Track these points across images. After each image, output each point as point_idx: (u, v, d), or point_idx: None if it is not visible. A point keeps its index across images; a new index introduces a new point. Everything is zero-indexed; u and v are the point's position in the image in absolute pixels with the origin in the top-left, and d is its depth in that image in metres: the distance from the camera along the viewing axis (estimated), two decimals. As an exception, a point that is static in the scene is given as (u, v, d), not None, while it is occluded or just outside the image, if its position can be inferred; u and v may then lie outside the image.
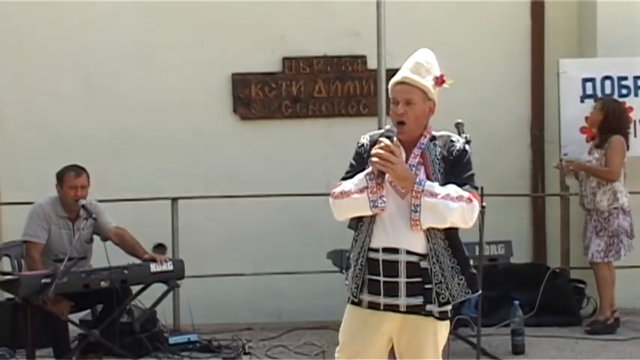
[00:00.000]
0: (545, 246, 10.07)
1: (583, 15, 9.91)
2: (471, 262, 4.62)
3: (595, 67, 9.39)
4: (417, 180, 4.38)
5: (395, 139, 4.48)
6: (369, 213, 4.48)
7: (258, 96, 9.86)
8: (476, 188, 4.55)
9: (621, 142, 8.49)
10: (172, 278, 7.56)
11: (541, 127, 10.07)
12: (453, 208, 4.35)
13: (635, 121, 9.14)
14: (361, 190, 4.46)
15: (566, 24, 9.99)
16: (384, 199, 4.44)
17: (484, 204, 6.34)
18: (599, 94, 9.22)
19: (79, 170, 7.63)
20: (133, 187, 9.28)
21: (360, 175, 4.50)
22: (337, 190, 4.57)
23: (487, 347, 7.80)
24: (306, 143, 9.75)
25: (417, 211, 4.36)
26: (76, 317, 7.78)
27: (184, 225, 9.06)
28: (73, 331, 7.69)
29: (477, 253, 6.85)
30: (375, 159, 4.39)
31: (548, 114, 9.96)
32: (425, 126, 4.62)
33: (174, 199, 9.04)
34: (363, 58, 9.76)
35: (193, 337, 8.35)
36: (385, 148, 4.40)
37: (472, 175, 4.57)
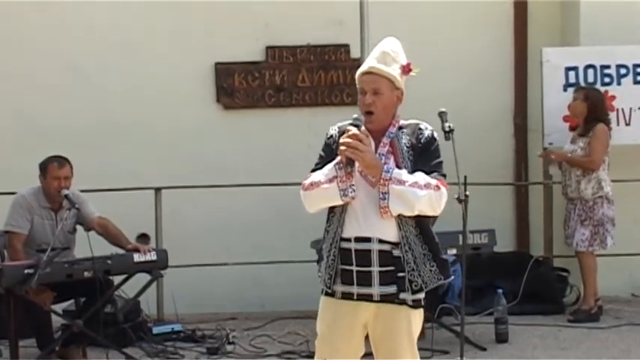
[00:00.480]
0: (528, 234, 10.10)
1: (566, 4, 9.93)
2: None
3: (578, 56, 9.41)
4: (385, 168, 4.39)
5: (363, 128, 4.48)
6: (340, 202, 4.48)
7: (242, 85, 9.84)
8: (444, 175, 4.56)
9: (605, 130, 8.53)
10: (156, 268, 7.54)
11: (524, 115, 10.09)
12: (421, 195, 4.36)
13: (617, 110, 9.17)
14: (330, 180, 4.47)
15: (549, 12, 10.00)
16: (354, 187, 4.44)
17: (467, 193, 6.32)
18: (582, 82, 9.25)
19: (62, 161, 7.60)
20: (116, 176, 9.26)
21: (330, 165, 4.50)
22: (307, 181, 4.58)
23: (471, 336, 7.83)
24: (289, 132, 9.74)
25: (385, 199, 4.36)
26: (59, 307, 7.77)
27: (168, 215, 9.06)
28: (56, 321, 7.68)
29: (461, 242, 6.84)
30: (343, 147, 4.39)
31: (532, 103, 9.98)
32: (393, 115, 4.63)
33: (158, 189, 9.03)
34: (346, 47, 9.75)
35: (177, 327, 8.36)
36: (353, 136, 4.40)
37: (440, 162, 4.58)
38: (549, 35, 9.92)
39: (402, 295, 4.46)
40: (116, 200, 8.73)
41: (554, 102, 9.25)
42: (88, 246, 7.18)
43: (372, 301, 4.49)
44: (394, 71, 4.58)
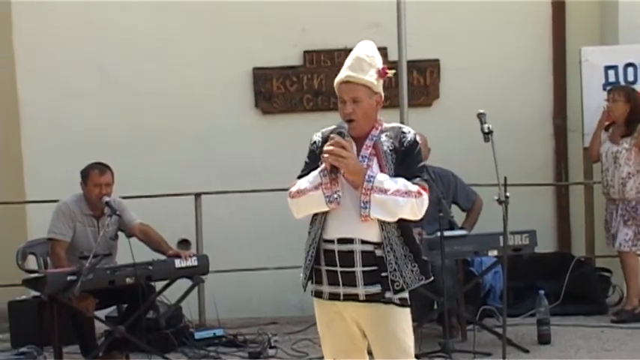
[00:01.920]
0: (569, 235, 10.04)
1: (605, 2, 9.86)
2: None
3: (617, 55, 9.35)
4: (367, 176, 4.43)
5: (346, 134, 4.53)
6: (326, 209, 4.54)
7: (280, 90, 9.87)
8: (425, 180, 4.58)
9: None
10: (197, 273, 7.57)
11: (564, 116, 10.03)
12: (402, 204, 4.41)
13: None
14: (316, 187, 4.53)
15: (587, 11, 9.94)
16: (339, 193, 4.49)
17: (507, 194, 6.32)
18: (621, 81, 9.18)
19: (103, 168, 7.66)
20: (155, 183, 9.31)
21: (315, 172, 4.57)
22: (294, 189, 4.66)
23: (513, 337, 7.79)
24: (327, 136, 9.73)
25: (366, 208, 4.42)
26: (101, 314, 7.82)
27: (208, 220, 9.08)
28: (99, 327, 7.73)
29: (502, 244, 6.82)
30: (326, 155, 4.44)
31: (571, 103, 9.92)
32: (375, 119, 4.67)
33: (198, 195, 9.07)
34: (383, 50, 9.68)
35: (219, 332, 8.39)
36: (336, 144, 4.45)
37: (422, 166, 4.62)
38: (588, 34, 9.86)
39: (388, 295, 4.50)
40: (156, 206, 8.77)
41: (594, 102, 9.18)
42: (129, 252, 7.21)
43: (358, 300, 4.53)
44: (371, 77, 4.62)
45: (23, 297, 8.67)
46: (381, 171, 4.50)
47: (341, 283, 4.54)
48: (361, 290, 4.51)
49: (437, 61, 9.84)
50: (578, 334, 8.16)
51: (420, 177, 4.54)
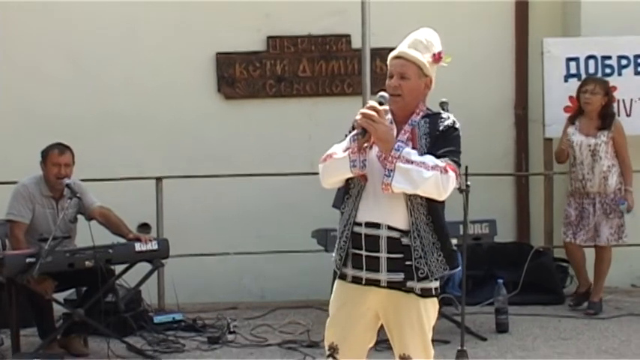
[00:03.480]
0: (528, 225, 10.11)
1: (567, -6, 9.93)
2: (451, 239, 4.63)
3: (579, 47, 9.41)
4: (396, 145, 4.38)
5: (387, 107, 4.50)
6: (349, 174, 4.49)
7: (243, 75, 9.84)
8: (458, 164, 4.52)
9: (622, 124, 8.54)
10: (157, 257, 7.55)
11: (525, 106, 10.09)
12: (427, 176, 4.32)
13: (618, 101, 9.16)
14: (344, 150, 4.50)
15: (550, 3, 10.00)
16: (365, 162, 4.45)
17: (468, 182, 6.37)
18: (582, 73, 9.24)
19: (63, 148, 7.62)
20: (117, 166, 9.27)
21: (347, 138, 4.55)
22: (325, 154, 4.60)
23: (471, 326, 7.84)
24: (290, 122, 9.76)
25: (389, 176, 4.35)
26: (60, 296, 7.78)
27: (169, 204, 9.06)
28: (58, 310, 7.69)
29: (461, 232, 6.87)
30: (358, 116, 4.41)
31: (532, 93, 9.98)
32: (419, 102, 4.63)
33: (159, 179, 9.04)
34: (347, 37, 9.75)
35: (178, 317, 8.37)
36: (371, 107, 4.42)
37: (454, 151, 4.53)
38: (550, 26, 9.92)
39: (410, 284, 4.46)
40: (117, 190, 8.73)
41: (555, 93, 9.26)
42: (89, 235, 7.18)
43: (379, 286, 4.50)
44: (424, 58, 4.60)
45: (-20, 278, 8.60)
46: None
47: (364, 267, 4.50)
48: (383, 276, 4.47)
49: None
50: (535, 323, 8.22)
51: (450, 157, 4.45)
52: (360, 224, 4.51)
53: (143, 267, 7.60)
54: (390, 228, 4.45)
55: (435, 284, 4.55)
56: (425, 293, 4.51)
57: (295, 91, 9.89)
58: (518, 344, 7.60)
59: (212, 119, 9.82)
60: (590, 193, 8.48)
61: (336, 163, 4.50)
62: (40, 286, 7.16)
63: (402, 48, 4.65)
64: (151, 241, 7.53)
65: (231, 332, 8.04)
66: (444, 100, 6.36)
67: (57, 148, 7.59)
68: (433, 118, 4.60)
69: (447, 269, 4.53)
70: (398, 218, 4.44)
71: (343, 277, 4.62)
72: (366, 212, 4.50)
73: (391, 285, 4.48)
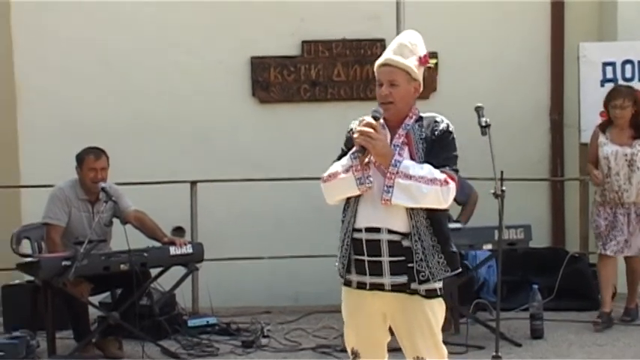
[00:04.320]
0: (564, 230, 10.05)
1: (603, -1, 9.88)
2: (452, 242, 4.63)
3: (615, 51, 9.35)
4: (393, 161, 4.41)
5: (380, 117, 4.54)
6: (357, 192, 4.52)
7: (277, 79, 9.86)
8: (456, 170, 4.57)
9: None
10: (191, 261, 7.57)
11: (560, 111, 10.04)
12: (426, 191, 4.38)
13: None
14: (347, 170, 4.52)
15: (586, 7, 9.95)
16: (371, 178, 4.48)
17: (503, 188, 6.32)
18: (619, 78, 9.17)
19: (98, 152, 7.66)
20: (152, 170, 9.31)
21: (347, 156, 4.57)
22: (326, 173, 4.65)
23: (506, 331, 7.80)
24: (324, 127, 9.73)
25: (389, 192, 4.40)
26: (95, 300, 7.83)
27: (203, 208, 9.08)
28: (93, 313, 7.73)
29: (496, 237, 6.83)
30: (356, 135, 4.45)
31: (568, 98, 9.93)
32: (411, 107, 4.65)
33: (193, 183, 9.07)
34: (382, 42, 9.73)
35: (212, 320, 8.38)
36: (367, 124, 4.46)
37: (453, 156, 4.59)
38: (586, 30, 9.87)
39: (414, 285, 4.48)
40: (152, 194, 8.77)
41: (591, 98, 9.17)
42: (124, 239, 7.21)
43: (384, 290, 4.53)
44: (410, 63, 4.60)
45: (17, 281, 8.66)
46: (412, 160, 4.48)
47: (368, 272, 4.53)
48: (387, 280, 4.50)
49: (434, 54, 9.80)
50: (570, 329, 8.17)
51: (449, 166, 4.51)
52: (360, 230, 4.54)
53: (178, 271, 7.63)
54: (390, 232, 4.48)
55: (440, 284, 4.57)
56: (430, 294, 4.53)
57: (330, 96, 9.89)
58: (554, 350, 7.56)
59: (246, 123, 9.84)
60: (626, 203, 8.24)
61: (342, 182, 4.54)
62: (76, 289, 7.21)
63: (388, 55, 4.64)
64: (185, 244, 7.55)
65: (264, 336, 8.05)
66: (479, 104, 6.32)
67: (92, 152, 7.64)
68: (427, 121, 4.62)
69: (449, 271, 4.54)
70: (398, 222, 4.47)
71: (348, 283, 4.66)
72: (366, 218, 4.53)
73: (395, 288, 4.51)
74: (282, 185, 9.36)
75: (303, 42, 9.86)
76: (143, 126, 9.69)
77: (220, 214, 9.52)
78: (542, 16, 10.00)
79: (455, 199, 8.35)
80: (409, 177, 4.37)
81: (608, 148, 8.26)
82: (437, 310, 4.58)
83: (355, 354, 4.72)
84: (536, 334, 7.89)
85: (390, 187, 4.39)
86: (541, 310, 7.93)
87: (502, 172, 6.27)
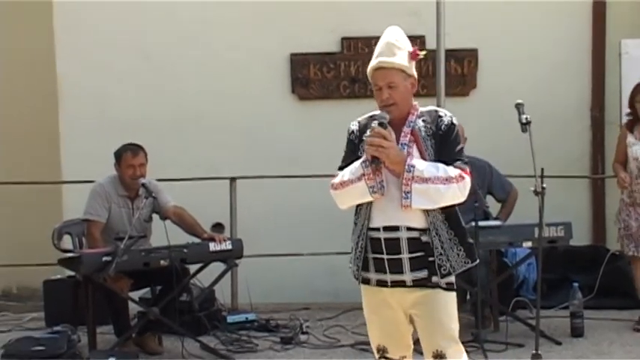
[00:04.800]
0: (604, 228, 9.97)
1: (646, -5, 9.79)
2: (468, 234, 4.65)
3: (658, 48, 9.28)
4: (407, 166, 4.42)
5: (386, 123, 4.55)
6: (370, 199, 4.56)
7: (317, 76, 9.86)
8: (466, 163, 4.57)
9: None
10: (231, 257, 7.58)
11: (601, 107, 9.96)
12: (444, 191, 4.41)
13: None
14: (359, 178, 4.55)
15: (628, 4, 9.86)
16: (383, 183, 4.52)
17: (544, 185, 6.29)
18: (662, 75, 9.09)
19: (136, 149, 7.69)
20: (191, 166, 9.35)
21: (356, 163, 4.58)
22: (336, 180, 4.69)
23: (546, 329, 7.76)
24: (364, 123, 9.72)
25: (407, 198, 4.43)
26: (135, 295, 7.87)
27: (242, 204, 9.11)
28: (133, 308, 7.78)
29: (537, 235, 6.80)
30: (367, 146, 4.48)
31: (609, 95, 9.85)
32: (411, 103, 4.67)
33: (233, 179, 9.10)
34: (421, 38, 9.68)
35: (251, 317, 8.42)
36: (376, 134, 4.47)
37: (461, 149, 4.61)
38: (628, 27, 9.77)
39: (434, 279, 4.51)
40: (192, 190, 8.81)
41: (633, 94, 9.12)
42: (164, 235, 7.24)
43: (405, 286, 4.56)
44: (403, 60, 4.60)
45: (58, 276, 8.75)
46: (422, 157, 4.50)
47: (388, 270, 4.57)
48: (408, 277, 4.54)
49: (475, 50, 9.80)
50: (611, 327, 8.12)
51: (461, 160, 4.53)
52: (377, 229, 4.58)
53: (217, 267, 7.65)
54: (409, 229, 4.51)
55: (453, 278, 4.61)
56: (449, 287, 4.58)
57: (369, 92, 9.68)
58: (594, 349, 7.51)
59: (286, 120, 9.85)
60: None
61: (354, 190, 4.58)
62: (116, 284, 7.26)
63: (380, 58, 4.63)
64: (225, 240, 7.56)
65: (303, 333, 8.08)
66: (519, 101, 6.28)
67: (130, 149, 7.68)
68: (430, 116, 4.62)
69: (469, 263, 4.59)
70: (415, 218, 4.50)
71: (367, 281, 4.70)
72: (382, 217, 4.56)
73: (416, 283, 4.54)
74: (321, 182, 9.26)
75: (343, 38, 9.86)
76: (183, 122, 9.73)
77: (259, 210, 9.54)
78: (583, 13, 9.93)
79: (495, 197, 8.40)
80: (425, 180, 4.40)
81: (638, 148, 8.07)
82: (454, 301, 4.65)
83: (382, 350, 4.75)
84: (577, 332, 7.84)
85: (407, 192, 4.42)
86: (581, 309, 7.88)
87: (542, 170, 6.23)
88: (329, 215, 9.58)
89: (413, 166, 4.42)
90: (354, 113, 10.00)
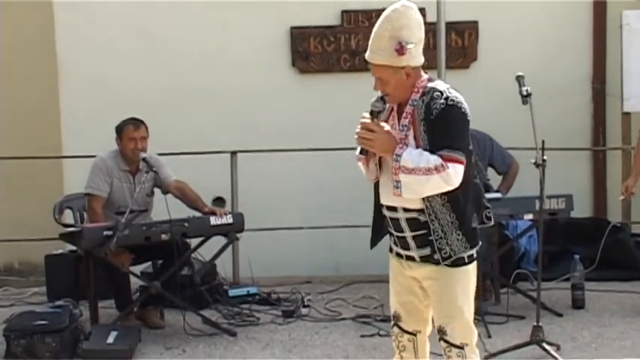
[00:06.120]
0: (605, 200, 9.97)
1: (647, -35, 9.74)
2: (474, 218, 4.52)
3: (659, 19, 9.24)
4: (394, 155, 4.38)
5: (378, 110, 4.56)
6: (368, 180, 4.66)
7: (317, 49, 9.83)
8: (459, 149, 4.36)
9: None
10: (232, 231, 7.56)
11: (602, 80, 9.93)
12: (425, 182, 4.32)
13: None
14: (359, 159, 4.63)
15: (629, -25, 9.83)
16: (377, 166, 4.56)
17: (545, 157, 6.29)
18: (663, 46, 9.07)
19: (137, 122, 7.69)
20: (192, 141, 9.33)
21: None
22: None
23: (547, 301, 7.78)
24: (364, 97, 9.60)
25: (398, 187, 4.40)
26: (137, 269, 7.88)
27: (243, 178, 9.11)
28: (134, 283, 7.79)
29: (537, 207, 6.80)
30: (355, 136, 4.49)
31: (610, 67, 9.82)
32: (412, 85, 4.53)
33: (234, 153, 9.10)
34: (422, 11, 9.58)
35: (253, 290, 8.43)
36: (362, 126, 4.50)
37: (455, 134, 4.40)
38: (629, -2, 9.75)
39: (436, 256, 4.47)
40: (193, 164, 8.80)
41: (634, 66, 9.10)
42: (165, 209, 7.24)
43: (415, 261, 4.57)
44: (390, 55, 4.46)
45: (60, 251, 8.75)
46: (416, 142, 4.41)
47: (399, 245, 4.62)
48: (415, 253, 4.55)
49: (475, 23, 9.77)
50: (612, 299, 8.13)
51: (449, 147, 4.33)
52: (383, 207, 4.61)
53: (218, 241, 7.65)
54: (406, 210, 4.49)
55: (467, 252, 4.50)
56: (456, 263, 4.48)
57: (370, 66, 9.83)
58: (595, 320, 7.53)
59: (286, 93, 9.83)
60: None
61: (361, 170, 4.68)
62: (118, 258, 7.26)
63: (367, 54, 4.56)
64: (226, 214, 7.55)
65: (305, 306, 8.09)
66: (519, 74, 6.29)
67: (131, 123, 7.67)
68: (428, 96, 4.45)
69: (468, 248, 4.48)
70: (410, 200, 4.44)
71: (390, 249, 4.75)
72: (384, 196, 4.58)
73: (423, 259, 4.54)
74: (322, 155, 9.35)
75: (343, 12, 9.82)
76: (183, 97, 9.71)
77: (260, 184, 9.53)
78: (584, -16, 9.90)
79: (495, 169, 8.40)
80: (410, 171, 4.33)
81: None
82: (464, 278, 4.55)
83: (397, 317, 4.77)
84: (578, 304, 7.86)
85: (398, 182, 4.40)
86: (582, 280, 7.90)
87: (543, 142, 6.24)
88: (330, 189, 9.64)
89: (399, 156, 4.36)
90: (355, 87, 10.08)
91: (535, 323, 6.59)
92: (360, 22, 9.80)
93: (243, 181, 9.10)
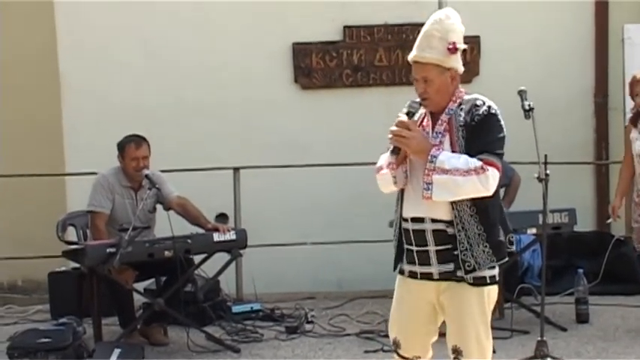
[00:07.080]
0: (609, 214, 9.95)
1: (648, -21, 9.76)
2: (501, 231, 4.49)
3: (660, 33, 9.26)
4: (430, 156, 4.34)
5: (421, 110, 4.51)
6: (394, 188, 4.54)
7: (319, 65, 9.85)
8: (498, 154, 4.41)
9: None
10: (235, 247, 7.56)
11: (605, 94, 9.94)
12: (462, 183, 4.28)
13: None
14: (387, 165, 4.52)
15: (630, -11, 9.85)
16: (407, 173, 4.48)
17: (547, 172, 6.28)
18: (664, 60, 9.08)
19: (139, 140, 7.68)
20: (194, 157, 9.33)
21: (389, 151, 4.54)
22: (377, 164, 4.62)
23: (551, 316, 7.77)
24: (366, 112, 9.72)
25: (428, 189, 4.34)
26: (140, 286, 7.87)
27: (246, 194, 9.11)
28: (138, 300, 7.78)
29: (541, 222, 6.80)
30: (389, 135, 4.43)
31: (612, 81, 9.84)
32: (452, 93, 4.53)
33: (236, 169, 9.10)
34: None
35: (256, 306, 8.42)
36: (399, 124, 4.43)
37: (496, 139, 4.45)
38: (631, 12, 9.75)
39: (459, 273, 4.41)
40: (195, 180, 8.79)
41: (636, 80, 9.09)
42: (168, 226, 7.23)
43: (433, 279, 4.49)
44: (439, 54, 4.46)
45: (63, 268, 8.75)
46: (452, 148, 4.40)
47: (417, 261, 4.51)
48: (435, 269, 4.46)
49: (477, 37, 9.77)
50: (617, 313, 8.12)
51: (489, 151, 4.37)
52: (407, 220, 4.52)
53: (221, 257, 7.65)
54: (434, 220, 4.43)
55: (492, 272, 4.47)
56: (477, 282, 4.43)
57: (372, 81, 9.87)
58: (599, 335, 7.51)
59: (289, 109, 9.84)
60: None
61: (384, 177, 4.55)
62: (121, 276, 7.25)
63: (415, 51, 4.52)
64: (229, 231, 7.54)
65: (308, 322, 8.08)
66: (522, 88, 6.29)
67: (133, 141, 7.66)
68: (468, 105, 4.48)
69: (494, 261, 4.44)
70: (440, 210, 4.40)
71: (402, 272, 4.65)
72: (410, 208, 4.50)
73: (443, 276, 4.46)
74: (324, 171, 9.35)
75: (345, 27, 9.84)
76: (185, 112, 9.72)
77: (263, 200, 9.54)
78: (586, -1, 9.92)
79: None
80: (446, 171, 4.29)
81: (638, 144, 7.63)
82: (484, 299, 4.48)
83: (397, 344, 4.69)
84: (582, 318, 7.85)
85: (429, 184, 4.33)
86: (586, 295, 7.89)
87: (546, 156, 6.24)
88: (333, 205, 9.63)
89: (435, 157, 4.33)
90: (357, 102, 10.08)
91: (539, 338, 6.57)
92: (362, 37, 9.82)
93: (245, 197, 9.10)
